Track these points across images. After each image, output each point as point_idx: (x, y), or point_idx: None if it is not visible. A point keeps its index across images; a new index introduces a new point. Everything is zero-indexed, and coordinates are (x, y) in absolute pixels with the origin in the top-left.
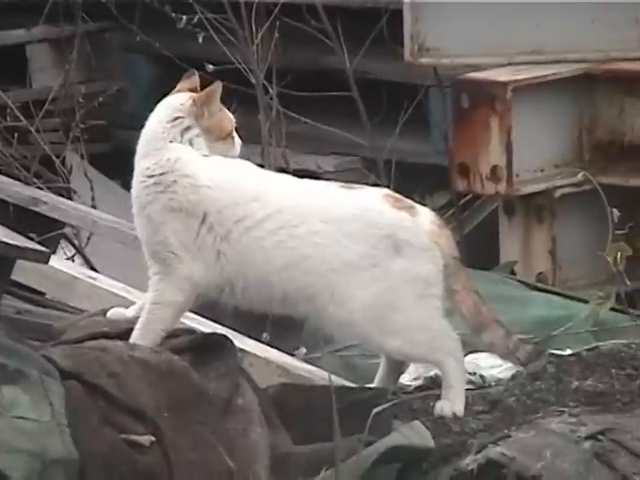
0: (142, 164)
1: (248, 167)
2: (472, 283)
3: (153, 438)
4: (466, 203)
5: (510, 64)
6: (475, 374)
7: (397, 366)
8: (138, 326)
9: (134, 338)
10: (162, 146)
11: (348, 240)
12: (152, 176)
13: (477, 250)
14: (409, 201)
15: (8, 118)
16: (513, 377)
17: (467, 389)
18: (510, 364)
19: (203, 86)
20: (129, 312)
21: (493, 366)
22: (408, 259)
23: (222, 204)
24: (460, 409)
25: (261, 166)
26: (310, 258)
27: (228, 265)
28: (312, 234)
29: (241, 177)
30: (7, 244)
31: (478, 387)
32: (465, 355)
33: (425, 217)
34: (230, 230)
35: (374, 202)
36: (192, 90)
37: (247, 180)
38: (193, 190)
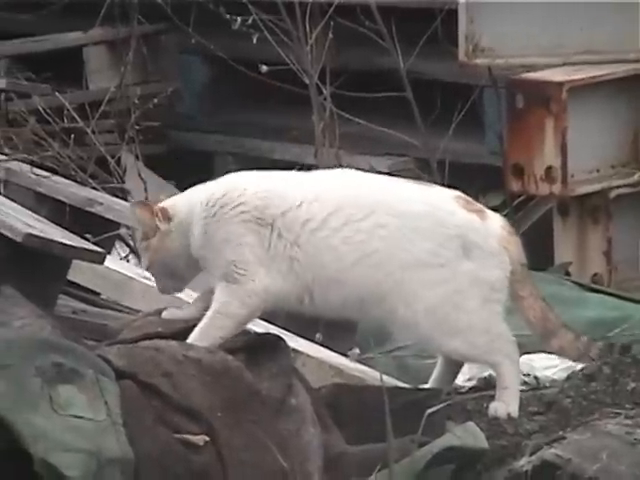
0: (201, 197)
1: (295, 175)
2: (539, 290)
3: (207, 438)
4: (520, 203)
5: (565, 64)
6: (529, 375)
7: (454, 368)
8: (197, 330)
9: (192, 340)
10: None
11: (416, 236)
12: (217, 200)
13: (531, 251)
14: (479, 205)
15: (65, 120)
16: (568, 378)
17: (521, 390)
18: (565, 365)
19: None
20: (183, 312)
21: (548, 367)
22: (476, 262)
23: (283, 208)
24: (514, 410)
25: (315, 167)
26: (378, 252)
27: (302, 271)
28: (378, 227)
29: (289, 185)
30: (64, 245)
31: (532, 388)
32: (519, 356)
33: (495, 222)
34: (298, 234)
35: (445, 201)
36: None
37: (298, 185)
38: (258, 197)
